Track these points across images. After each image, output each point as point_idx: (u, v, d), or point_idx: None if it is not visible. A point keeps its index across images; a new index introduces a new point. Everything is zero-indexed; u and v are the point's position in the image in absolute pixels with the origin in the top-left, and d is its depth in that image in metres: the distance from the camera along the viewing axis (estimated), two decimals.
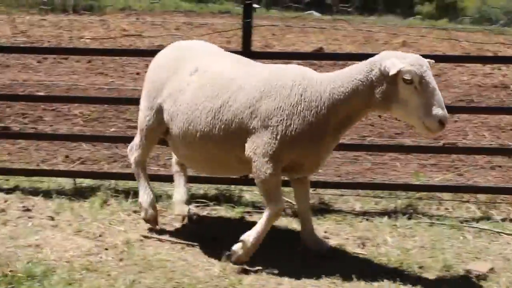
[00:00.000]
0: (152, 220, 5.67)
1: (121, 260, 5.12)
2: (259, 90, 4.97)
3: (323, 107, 4.89)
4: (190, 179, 6.29)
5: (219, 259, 5.13)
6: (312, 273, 4.99)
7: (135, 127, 5.94)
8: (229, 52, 5.75)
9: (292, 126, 4.86)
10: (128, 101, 8.17)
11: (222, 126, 5.02)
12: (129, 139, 5.82)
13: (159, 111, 5.41)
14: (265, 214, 5.06)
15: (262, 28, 23.46)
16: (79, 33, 17.29)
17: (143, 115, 5.54)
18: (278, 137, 4.87)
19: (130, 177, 6.20)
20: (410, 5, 32.27)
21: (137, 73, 12.80)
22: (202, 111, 5.09)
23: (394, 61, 4.67)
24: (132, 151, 5.74)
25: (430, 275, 5.09)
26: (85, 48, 13.55)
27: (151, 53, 6.08)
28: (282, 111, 4.88)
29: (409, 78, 4.62)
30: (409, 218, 6.25)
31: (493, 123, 10.48)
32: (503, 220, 6.32)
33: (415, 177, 7.54)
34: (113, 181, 6.87)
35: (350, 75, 4.90)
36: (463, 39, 16.96)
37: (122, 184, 6.81)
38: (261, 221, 5.09)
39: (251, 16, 6.58)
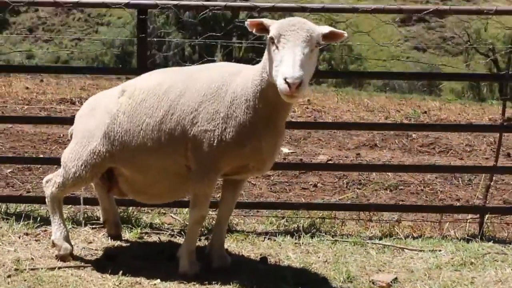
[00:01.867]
0: (66, 257, 5.21)
1: (9, 276, 4.83)
2: (200, 95, 4.73)
3: (250, 99, 4.59)
4: (86, 201, 6.08)
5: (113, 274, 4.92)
6: (212, 287, 4.80)
7: None
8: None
9: (227, 129, 4.62)
10: None
11: (167, 137, 4.77)
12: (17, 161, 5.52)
13: (96, 157, 5.02)
14: (189, 221, 5.00)
15: None
16: None
17: (72, 164, 5.09)
18: (215, 143, 4.65)
19: (22, 200, 5.93)
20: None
21: None
22: (146, 129, 4.82)
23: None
24: (50, 185, 5.24)
25: (333, 286, 4.97)
26: None
27: None
28: (219, 114, 4.65)
29: (271, 36, 4.31)
30: (312, 237, 6.12)
31: None
32: (406, 237, 6.27)
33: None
34: (3, 204, 6.48)
35: (263, 59, 4.57)
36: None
37: (14, 207, 6.47)
38: (186, 230, 5.10)
39: (146, 32, 6.24)
